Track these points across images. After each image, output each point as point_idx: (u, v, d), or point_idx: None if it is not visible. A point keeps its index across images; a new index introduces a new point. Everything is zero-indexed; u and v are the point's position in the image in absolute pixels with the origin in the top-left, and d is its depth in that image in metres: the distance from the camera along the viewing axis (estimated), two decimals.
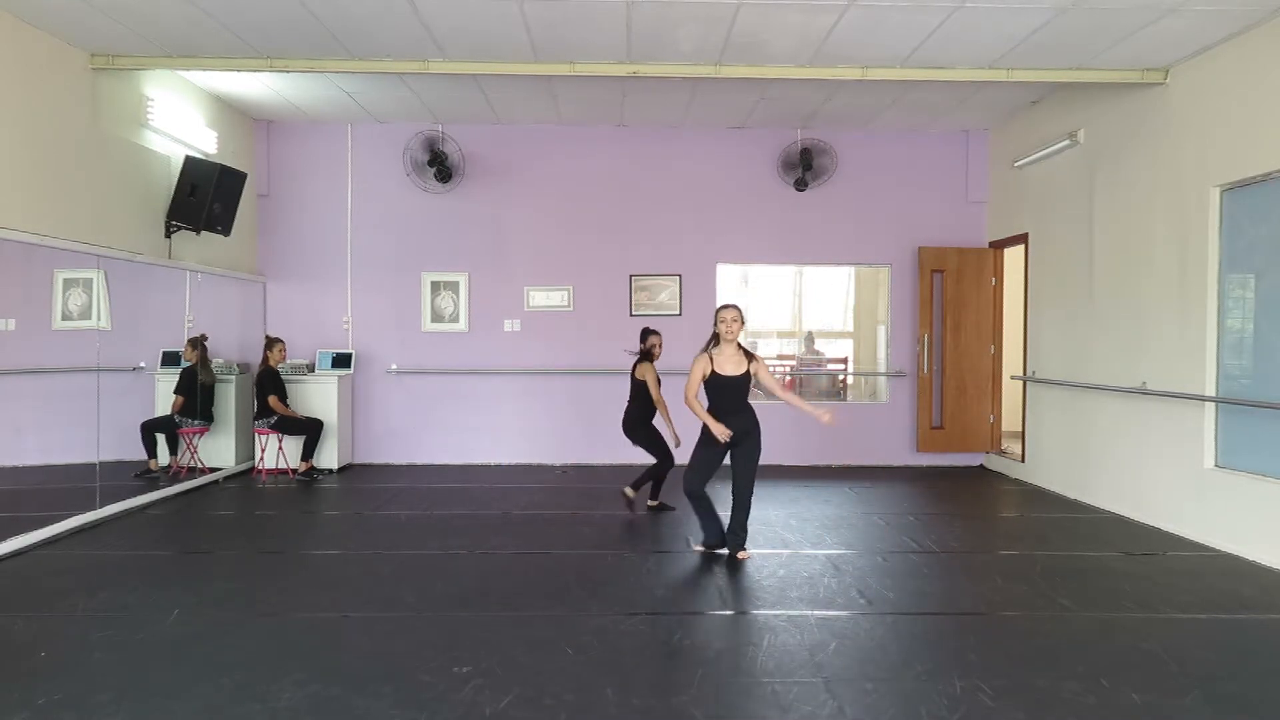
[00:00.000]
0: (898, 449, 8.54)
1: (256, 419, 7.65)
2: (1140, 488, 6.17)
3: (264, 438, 7.77)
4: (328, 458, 7.96)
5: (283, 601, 4.22)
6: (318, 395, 7.96)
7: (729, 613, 4.09)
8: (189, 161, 6.82)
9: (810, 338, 10.32)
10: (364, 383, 8.47)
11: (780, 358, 11.07)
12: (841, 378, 10.31)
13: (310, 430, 7.66)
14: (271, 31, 5.66)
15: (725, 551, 5.12)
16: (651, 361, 6.21)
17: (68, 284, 6.06)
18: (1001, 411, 8.58)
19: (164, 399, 7.08)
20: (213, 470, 7.44)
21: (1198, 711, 3.05)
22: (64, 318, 6.07)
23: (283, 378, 7.70)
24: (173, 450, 7.17)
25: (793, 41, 5.71)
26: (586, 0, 5.10)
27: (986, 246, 8.51)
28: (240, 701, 3.05)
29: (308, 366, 8.17)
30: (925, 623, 4.02)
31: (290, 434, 7.67)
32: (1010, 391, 8.55)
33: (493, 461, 8.48)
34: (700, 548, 5.18)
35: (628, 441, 6.36)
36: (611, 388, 8.48)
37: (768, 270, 9.65)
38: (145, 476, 6.87)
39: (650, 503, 6.39)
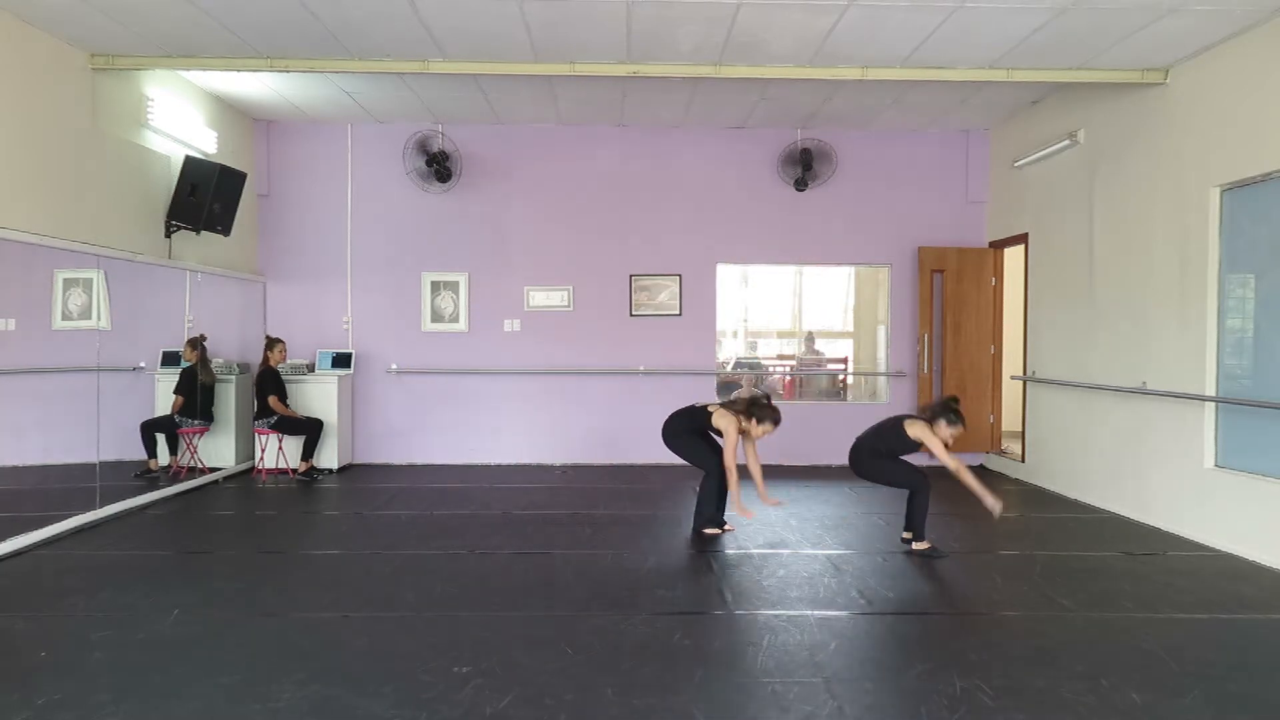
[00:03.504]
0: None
1: (256, 419, 7.65)
2: (1140, 488, 6.17)
3: (264, 438, 7.77)
4: (328, 458, 7.96)
5: (283, 601, 4.22)
6: (318, 395, 7.96)
7: (729, 613, 4.09)
8: (189, 161, 6.81)
9: (810, 338, 10.32)
10: (364, 383, 8.47)
11: (780, 358, 11.08)
12: (841, 378, 10.31)
13: (310, 430, 7.66)
14: (271, 31, 5.66)
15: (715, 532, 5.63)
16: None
17: (68, 284, 6.06)
18: (1001, 411, 8.58)
19: (164, 399, 7.08)
20: (213, 470, 7.44)
21: (1198, 711, 3.05)
22: (64, 318, 6.07)
23: (283, 378, 7.71)
24: (173, 450, 7.17)
25: (793, 41, 5.71)
26: (586, 0, 5.10)
27: (986, 246, 8.52)
28: (240, 701, 3.05)
29: (308, 366, 8.17)
30: (925, 623, 4.01)
31: (290, 434, 7.67)
32: (1010, 391, 8.55)
33: (493, 461, 8.48)
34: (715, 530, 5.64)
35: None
36: (611, 388, 8.49)
37: (768, 270, 9.65)
38: (145, 476, 6.87)
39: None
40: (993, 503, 5.00)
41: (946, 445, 5.02)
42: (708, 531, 5.60)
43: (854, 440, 5.41)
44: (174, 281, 7.08)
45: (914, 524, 5.19)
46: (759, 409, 5.54)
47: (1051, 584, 4.56)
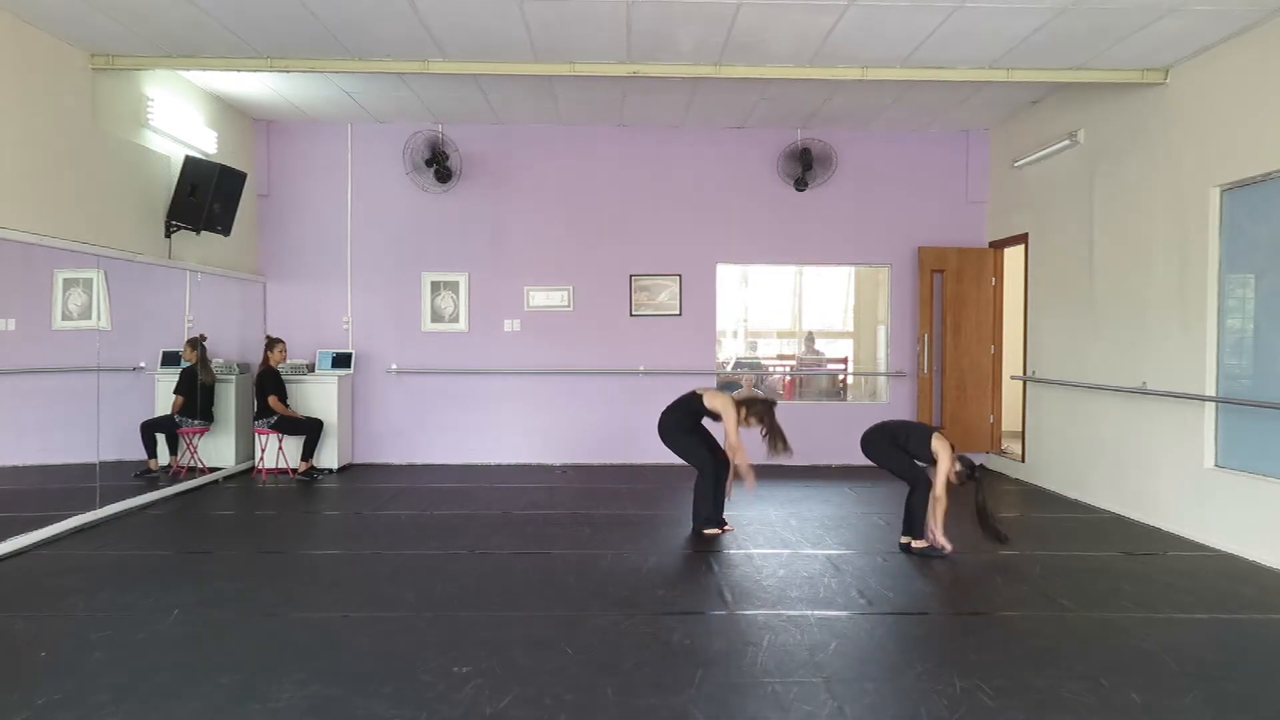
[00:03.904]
0: None
1: (256, 419, 7.65)
2: (1140, 488, 6.17)
3: (264, 438, 7.77)
4: (328, 458, 7.96)
5: (283, 601, 4.22)
6: (318, 395, 7.96)
7: (729, 613, 4.09)
8: (189, 161, 6.81)
9: (810, 338, 10.32)
10: (364, 383, 8.47)
11: (780, 358, 11.08)
12: (841, 378, 10.31)
13: (310, 430, 7.66)
14: (271, 31, 5.66)
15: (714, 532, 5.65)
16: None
17: (68, 284, 6.06)
18: (1001, 411, 8.58)
19: (164, 399, 7.08)
20: (213, 470, 7.44)
21: (1198, 711, 3.05)
22: (64, 318, 6.07)
23: (283, 378, 7.71)
24: (173, 450, 7.17)
25: (793, 41, 5.71)
26: (586, 0, 5.10)
27: (986, 246, 8.52)
28: (240, 701, 3.05)
29: (308, 366, 8.17)
30: (925, 623, 4.02)
31: (290, 434, 7.67)
32: (1010, 391, 8.55)
33: (493, 461, 8.48)
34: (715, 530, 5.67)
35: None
36: (612, 388, 8.49)
37: (768, 270, 9.65)
38: (145, 476, 6.87)
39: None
40: (944, 542, 5.09)
41: (947, 481, 5.07)
42: (708, 531, 5.60)
43: (878, 423, 5.48)
44: (174, 281, 7.08)
45: (913, 525, 5.20)
46: (755, 405, 5.57)
47: (1051, 584, 4.56)
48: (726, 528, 5.67)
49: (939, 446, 5.10)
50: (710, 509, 5.61)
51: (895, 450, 5.29)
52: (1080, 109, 6.92)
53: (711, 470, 5.59)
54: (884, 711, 3.03)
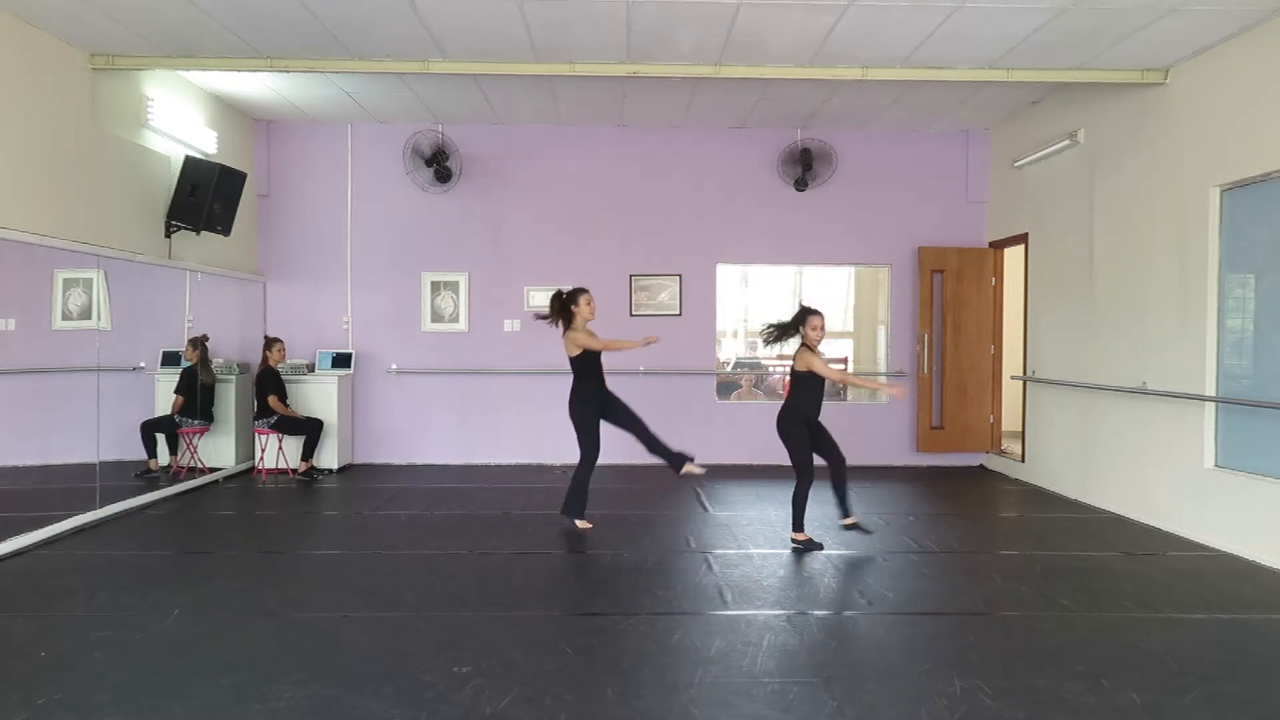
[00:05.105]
0: (898, 449, 8.54)
1: (256, 419, 7.65)
2: (1140, 488, 6.17)
3: (264, 438, 7.77)
4: (328, 458, 7.96)
5: (283, 601, 4.23)
6: (318, 395, 7.96)
7: (729, 613, 4.09)
8: (189, 161, 6.81)
9: None
10: (364, 383, 8.47)
11: (780, 358, 11.08)
12: None
13: (310, 430, 7.66)
14: (271, 31, 5.66)
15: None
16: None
17: (68, 284, 6.06)
18: (1001, 411, 8.58)
19: (164, 399, 7.08)
20: (213, 470, 7.44)
21: (1198, 711, 3.05)
22: (64, 318, 6.07)
23: (283, 378, 7.71)
24: (173, 450, 7.17)
25: (793, 41, 5.71)
26: (586, 0, 5.10)
27: (986, 246, 8.52)
28: (240, 701, 3.05)
29: (308, 366, 8.17)
30: (925, 623, 4.01)
31: (290, 434, 7.67)
32: (1010, 391, 8.55)
33: (493, 461, 8.48)
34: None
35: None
36: (612, 388, 8.46)
37: (768, 270, 9.65)
38: (145, 476, 6.87)
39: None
40: (893, 391, 5.39)
41: (816, 344, 5.22)
42: (580, 524, 5.76)
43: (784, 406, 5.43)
44: (174, 281, 7.08)
45: (800, 518, 5.28)
46: (566, 304, 5.83)
47: (1051, 584, 4.56)
48: (582, 525, 5.77)
49: (799, 359, 5.20)
50: (579, 499, 5.79)
51: (803, 431, 5.25)
52: (1080, 109, 6.92)
53: (588, 458, 5.87)
54: (884, 711, 3.03)
